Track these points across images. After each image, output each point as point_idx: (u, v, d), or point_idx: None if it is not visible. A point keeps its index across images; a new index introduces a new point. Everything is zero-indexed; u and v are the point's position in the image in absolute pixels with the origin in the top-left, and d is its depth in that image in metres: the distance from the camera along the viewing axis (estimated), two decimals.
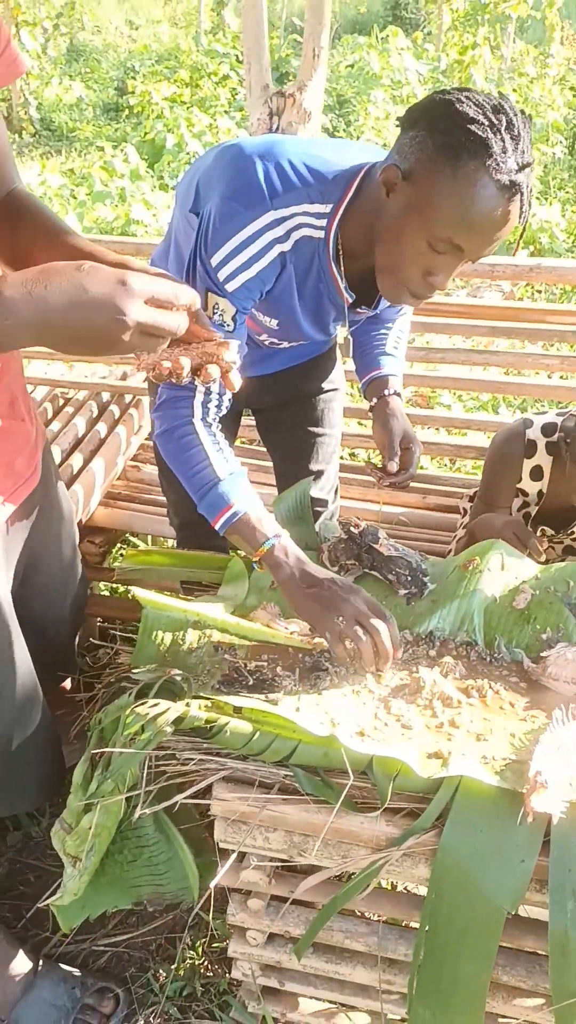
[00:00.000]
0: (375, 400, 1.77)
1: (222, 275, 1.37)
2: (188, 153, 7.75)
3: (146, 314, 0.91)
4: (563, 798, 1.07)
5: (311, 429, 1.96)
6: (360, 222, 1.37)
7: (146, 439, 2.55)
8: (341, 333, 1.69)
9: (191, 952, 1.66)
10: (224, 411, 1.49)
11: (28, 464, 1.42)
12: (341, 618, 1.28)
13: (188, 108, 9.01)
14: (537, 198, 7.08)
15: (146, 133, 8.32)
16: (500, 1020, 1.30)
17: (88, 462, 2.30)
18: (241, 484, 1.42)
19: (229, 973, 1.61)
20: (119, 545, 2.65)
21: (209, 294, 1.40)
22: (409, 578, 1.46)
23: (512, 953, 1.23)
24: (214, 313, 1.41)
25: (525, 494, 1.83)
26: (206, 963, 1.65)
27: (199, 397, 1.44)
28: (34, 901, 1.77)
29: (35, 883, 1.81)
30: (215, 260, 1.36)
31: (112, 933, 1.72)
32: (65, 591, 1.72)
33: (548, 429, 1.79)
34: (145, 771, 1.21)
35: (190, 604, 1.45)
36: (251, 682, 1.30)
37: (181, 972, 1.63)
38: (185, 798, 1.18)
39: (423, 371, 2.70)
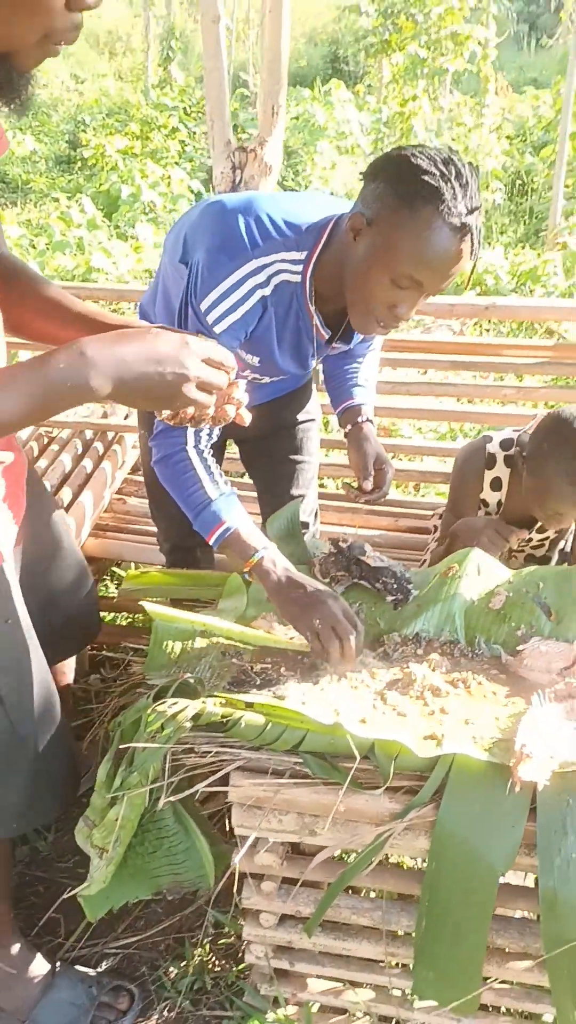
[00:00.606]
0: (349, 427, 1.93)
1: (210, 319, 1.53)
2: (143, 203, 7.97)
3: (203, 371, 1.11)
4: (546, 768, 1.21)
5: (292, 457, 2.11)
6: (332, 266, 1.54)
7: (129, 473, 2.69)
8: (318, 373, 1.86)
9: (199, 949, 1.76)
10: (215, 439, 1.64)
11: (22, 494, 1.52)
12: (318, 620, 1.43)
13: (141, 160, 9.26)
14: (482, 242, 7.42)
15: (101, 184, 8.54)
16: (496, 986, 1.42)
17: (77, 496, 2.42)
18: (232, 503, 1.57)
19: (236, 966, 1.71)
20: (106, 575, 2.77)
21: (199, 336, 1.55)
22: (395, 586, 1.60)
23: (505, 919, 1.36)
24: None
25: (486, 504, 2.00)
26: (214, 959, 1.75)
27: (191, 427, 1.58)
28: (45, 911, 1.85)
29: (44, 894, 1.89)
30: (204, 305, 1.52)
31: (121, 936, 1.80)
32: (77, 585, 1.78)
33: (506, 444, 1.96)
34: (166, 764, 1.32)
35: (196, 615, 1.57)
36: (258, 682, 1.43)
37: (191, 968, 1.72)
38: (206, 786, 1.30)
39: (386, 403, 2.88)
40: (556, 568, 1.62)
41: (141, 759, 1.33)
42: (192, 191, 8.93)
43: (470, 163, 1.41)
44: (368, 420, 1.93)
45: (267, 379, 1.86)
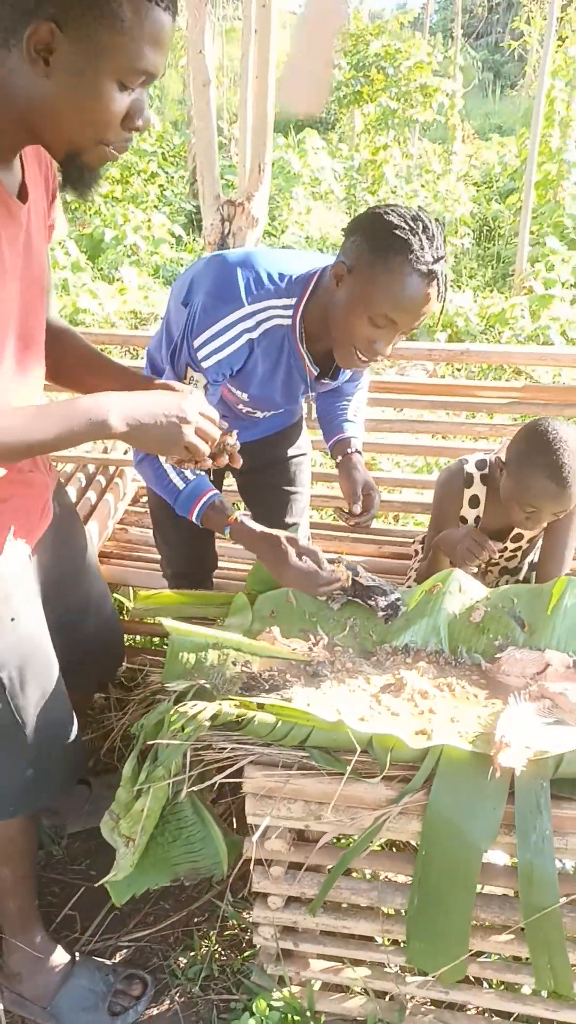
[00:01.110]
0: (340, 457, 2.13)
1: (200, 355, 1.75)
2: (126, 246, 8.21)
3: (200, 419, 1.38)
4: (522, 756, 1.40)
5: (285, 488, 2.32)
6: (318, 310, 1.76)
7: (130, 504, 2.87)
8: (312, 408, 2.07)
9: (206, 940, 1.91)
10: None
11: (43, 508, 1.65)
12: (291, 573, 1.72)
13: (124, 204, 9.51)
14: (451, 287, 7.71)
15: (83, 228, 8.77)
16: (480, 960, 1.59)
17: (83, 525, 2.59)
18: (201, 484, 1.81)
19: (242, 955, 1.86)
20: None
21: (188, 368, 1.79)
22: (385, 602, 1.79)
23: (488, 896, 1.54)
24: (189, 382, 1.79)
25: (465, 521, 2.19)
26: (220, 949, 1.90)
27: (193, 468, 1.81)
28: (61, 909, 2.00)
29: (60, 894, 2.04)
30: (197, 343, 1.74)
31: (133, 930, 1.95)
32: (101, 603, 1.93)
33: (480, 464, 2.16)
34: (187, 760, 1.49)
35: (208, 629, 1.75)
36: (267, 687, 1.61)
37: (199, 957, 1.87)
38: (223, 778, 1.47)
39: (367, 439, 3.08)
40: (528, 586, 1.81)
41: (165, 755, 1.50)
42: (173, 235, 9.18)
43: (436, 219, 1.66)
44: (357, 451, 2.13)
45: (260, 414, 2.06)
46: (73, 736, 1.69)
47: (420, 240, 1.58)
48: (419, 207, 1.68)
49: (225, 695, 1.58)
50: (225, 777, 1.47)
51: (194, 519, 1.81)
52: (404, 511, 2.89)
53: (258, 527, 1.78)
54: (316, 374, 1.89)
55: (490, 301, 6.79)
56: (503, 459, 2.02)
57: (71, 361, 1.63)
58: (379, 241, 1.60)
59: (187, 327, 1.76)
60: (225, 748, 1.49)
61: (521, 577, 2.27)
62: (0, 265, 1.26)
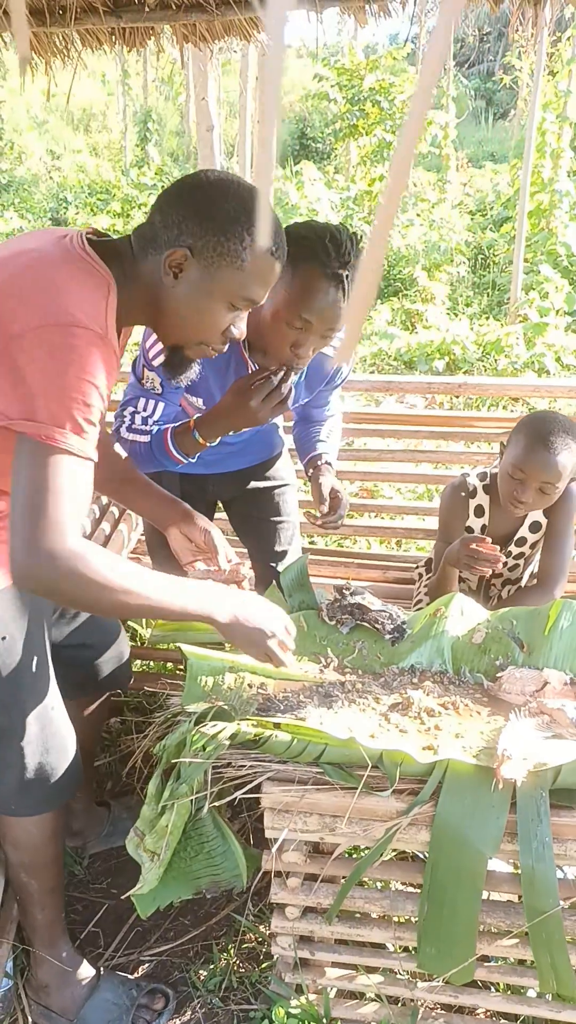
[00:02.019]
0: (311, 470, 2.28)
1: (150, 355, 1.91)
2: None
3: (283, 635, 1.59)
4: (523, 768, 1.49)
5: (272, 519, 2.44)
6: (255, 317, 1.89)
7: (143, 534, 2.97)
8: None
9: (225, 953, 1.99)
10: (143, 440, 2.00)
11: None
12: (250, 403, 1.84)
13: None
14: (447, 315, 7.88)
15: None
16: (486, 965, 1.67)
17: (115, 528, 2.70)
18: (160, 428, 1.95)
19: (259, 966, 1.94)
20: None
21: (144, 370, 1.95)
22: (392, 626, 1.89)
23: (493, 903, 1.62)
24: (146, 382, 1.96)
25: (472, 530, 2.30)
26: (238, 961, 1.98)
27: (124, 424, 1.99)
28: (85, 926, 2.08)
29: (83, 912, 2.12)
30: (148, 344, 1.91)
31: (154, 945, 2.03)
32: (102, 621, 2.04)
33: (482, 476, 2.29)
34: (209, 777, 1.59)
35: (225, 654, 1.85)
36: (282, 707, 1.70)
37: (218, 970, 1.95)
38: (243, 794, 1.56)
39: (371, 468, 3.20)
40: (527, 608, 1.91)
41: (187, 773, 1.59)
42: None
43: (354, 234, 1.80)
44: (327, 463, 2.27)
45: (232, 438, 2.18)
46: (70, 745, 1.76)
47: (327, 248, 1.73)
48: (341, 224, 1.82)
49: (243, 716, 1.67)
50: (245, 793, 1.57)
51: (174, 452, 1.94)
52: (407, 537, 2.99)
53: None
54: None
55: (486, 329, 6.94)
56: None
57: (112, 473, 1.87)
58: (290, 251, 1.71)
59: (145, 332, 1.92)
60: (244, 765, 1.59)
61: (522, 586, 2.37)
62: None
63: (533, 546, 2.31)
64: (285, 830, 1.57)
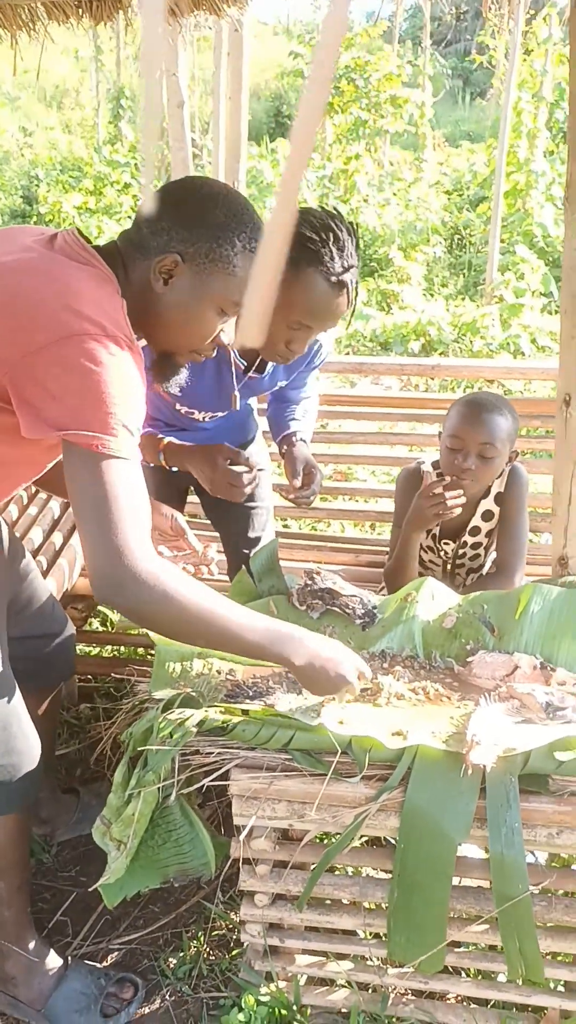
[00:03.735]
0: (284, 447, 2.24)
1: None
2: None
3: (357, 682, 1.54)
4: (492, 754, 1.48)
5: (246, 504, 2.40)
6: None
7: None
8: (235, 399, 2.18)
9: (195, 941, 1.97)
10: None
11: None
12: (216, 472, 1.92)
13: (98, 216, 9.57)
14: (423, 295, 7.85)
15: None
16: (456, 951, 1.67)
17: (67, 540, 2.65)
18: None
19: (229, 953, 1.93)
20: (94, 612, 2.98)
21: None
22: (362, 611, 1.87)
23: (463, 888, 1.62)
24: None
25: None
26: (208, 949, 1.96)
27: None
28: (52, 915, 2.06)
29: (51, 900, 2.10)
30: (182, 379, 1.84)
31: (123, 934, 2.01)
32: (51, 610, 2.03)
33: (435, 464, 2.29)
34: (176, 764, 1.56)
35: None
36: (251, 693, 1.68)
37: (188, 958, 1.93)
38: (210, 781, 1.54)
39: (345, 451, 3.18)
40: (497, 592, 1.90)
41: (154, 761, 1.57)
42: None
43: (350, 224, 1.76)
44: (302, 440, 2.24)
45: (199, 415, 2.12)
46: (34, 745, 1.74)
47: (331, 251, 1.69)
48: (335, 210, 1.77)
49: (211, 702, 1.65)
50: (212, 780, 1.54)
51: None
52: (380, 520, 2.97)
53: (189, 445, 1.91)
54: (244, 368, 1.98)
55: (462, 310, 6.92)
56: None
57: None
58: (292, 253, 1.68)
59: None
60: (212, 752, 1.56)
61: (485, 573, 2.37)
62: None
63: (489, 534, 2.30)
64: (253, 817, 1.55)
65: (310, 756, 1.55)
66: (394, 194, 11.64)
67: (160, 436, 1.95)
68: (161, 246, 1.41)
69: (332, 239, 1.69)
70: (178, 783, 1.55)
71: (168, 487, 2.23)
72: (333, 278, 1.69)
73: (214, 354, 1.57)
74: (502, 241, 8.21)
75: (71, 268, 1.34)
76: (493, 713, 1.59)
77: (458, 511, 2.08)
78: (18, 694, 1.70)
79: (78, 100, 20.96)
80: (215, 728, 1.57)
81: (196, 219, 1.41)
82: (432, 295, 7.95)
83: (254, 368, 2.01)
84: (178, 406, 2.07)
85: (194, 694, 1.67)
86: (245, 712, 1.57)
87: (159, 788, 1.57)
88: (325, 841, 1.75)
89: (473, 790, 1.48)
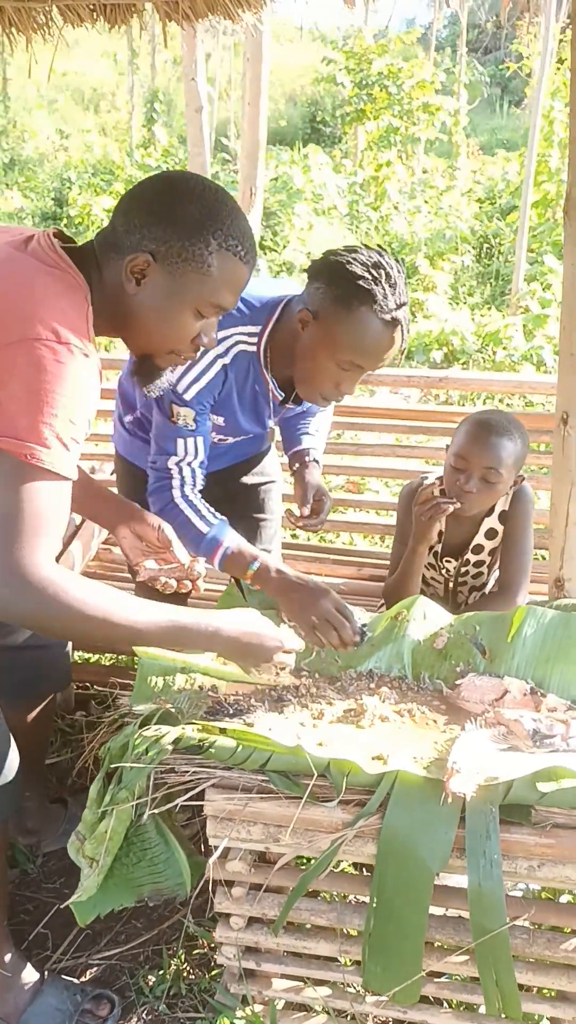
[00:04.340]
0: (296, 465, 2.19)
1: (179, 388, 1.80)
2: None
3: (282, 657, 1.61)
4: (473, 782, 1.43)
5: (255, 515, 2.37)
6: (283, 342, 1.82)
7: (102, 544, 2.91)
8: (273, 433, 2.14)
9: (175, 959, 1.94)
10: (199, 485, 1.90)
11: None
12: (314, 617, 1.70)
13: None
14: (448, 303, 7.78)
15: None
16: (436, 981, 1.62)
17: (67, 546, 2.63)
18: (223, 529, 1.85)
19: (209, 973, 1.89)
20: None
21: (172, 406, 1.83)
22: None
23: (442, 918, 1.57)
24: (178, 420, 1.83)
25: None
26: (188, 967, 1.93)
27: (176, 482, 1.87)
28: (34, 927, 2.03)
29: (34, 912, 2.07)
30: (174, 378, 1.77)
31: (104, 949, 1.98)
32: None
33: (440, 481, 2.23)
34: (151, 782, 1.53)
35: (177, 654, 1.79)
36: (231, 711, 1.64)
37: (167, 976, 1.90)
38: (184, 801, 1.51)
39: (357, 463, 3.14)
40: (491, 613, 1.85)
41: (128, 778, 1.53)
42: None
43: (397, 260, 1.71)
44: (314, 460, 2.19)
45: (231, 439, 2.10)
46: (12, 756, 1.70)
47: (383, 289, 1.64)
48: (380, 248, 1.73)
49: (190, 719, 1.62)
50: (186, 800, 1.51)
51: (216, 565, 1.84)
52: (388, 533, 2.92)
53: (291, 571, 1.79)
54: (280, 399, 1.94)
55: (487, 319, 6.85)
56: None
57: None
58: (342, 291, 1.66)
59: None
60: (188, 771, 1.53)
61: (487, 592, 2.32)
62: None
63: (492, 552, 2.25)
64: (225, 839, 1.52)
65: (287, 778, 1.51)
66: (425, 202, 11.59)
67: (252, 563, 1.81)
68: (133, 245, 1.36)
69: (384, 276, 1.65)
70: (152, 802, 1.52)
71: None
72: (387, 316, 1.66)
73: (196, 355, 1.52)
74: (531, 251, 8.14)
75: (36, 272, 1.31)
76: (478, 739, 1.54)
77: (451, 508, 2.06)
78: None
79: (113, 103, 21.13)
80: (191, 746, 1.53)
81: (169, 217, 1.36)
82: (458, 304, 7.89)
83: (292, 400, 1.98)
84: (213, 434, 2.04)
85: (173, 710, 1.64)
86: (223, 731, 1.54)
87: (133, 806, 1.54)
88: (304, 865, 1.70)
89: (452, 819, 1.43)
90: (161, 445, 1.88)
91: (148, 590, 1.80)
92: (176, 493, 1.86)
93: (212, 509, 1.89)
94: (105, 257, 1.39)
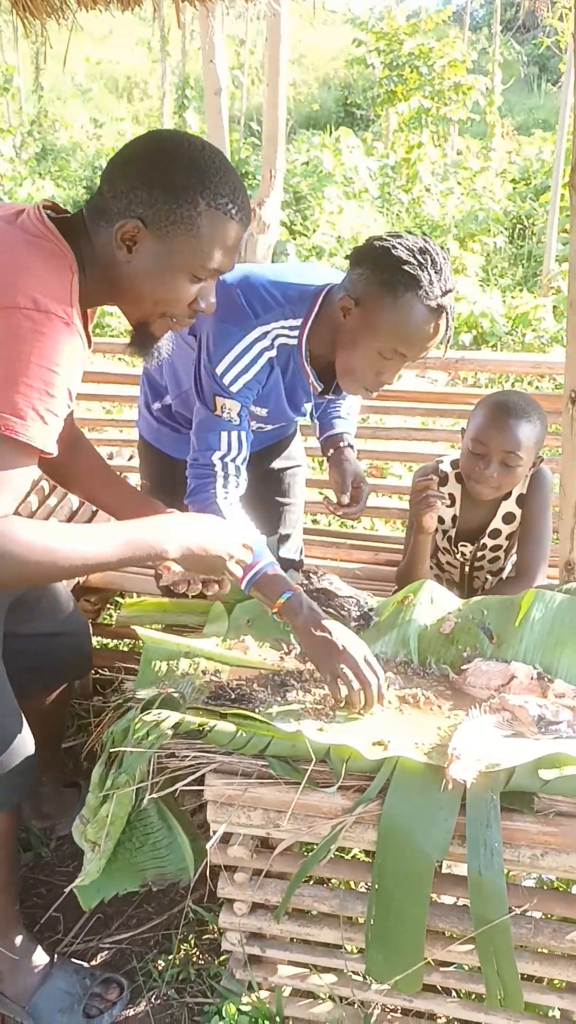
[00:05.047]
0: (331, 451, 2.14)
1: (226, 380, 1.76)
2: None
3: (241, 553, 1.55)
4: (473, 769, 1.40)
5: (279, 499, 2.34)
6: (323, 332, 1.78)
7: None
8: (315, 426, 2.10)
9: (184, 944, 1.94)
10: (242, 491, 1.86)
11: None
12: (342, 665, 1.56)
13: None
14: (479, 285, 7.67)
15: None
16: (443, 970, 1.60)
17: None
18: (260, 548, 1.73)
19: (218, 958, 1.89)
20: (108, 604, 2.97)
21: (216, 398, 1.79)
22: (358, 612, 1.81)
23: (445, 906, 1.55)
24: (223, 413, 1.79)
25: (442, 521, 2.22)
26: (197, 952, 1.93)
27: (219, 481, 1.81)
28: (46, 910, 2.04)
29: (46, 895, 2.08)
30: (219, 370, 1.75)
31: (114, 933, 1.99)
32: (67, 608, 2.00)
33: (455, 464, 2.20)
34: (151, 767, 1.52)
35: (181, 638, 1.78)
36: (233, 696, 1.63)
37: (176, 961, 1.90)
38: (184, 786, 1.50)
39: (380, 447, 3.11)
40: (499, 597, 1.81)
41: (129, 762, 1.53)
42: None
43: (442, 246, 1.65)
44: (349, 445, 2.15)
45: (269, 427, 2.08)
46: (27, 742, 1.71)
47: (429, 275, 1.60)
48: (424, 235, 1.69)
49: (192, 704, 1.61)
50: (186, 785, 1.50)
51: (243, 584, 1.71)
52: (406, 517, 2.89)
53: (322, 612, 1.68)
54: (320, 390, 1.91)
55: (518, 301, 6.74)
56: None
57: (83, 470, 1.75)
58: (387, 276, 1.61)
59: (203, 357, 1.78)
60: (188, 756, 1.52)
61: (504, 577, 2.28)
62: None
63: (509, 537, 2.21)
64: (224, 824, 1.51)
65: (287, 763, 1.49)
66: (459, 183, 11.43)
67: (283, 594, 1.67)
68: (121, 210, 1.32)
69: (430, 262, 1.61)
70: (153, 786, 1.51)
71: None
72: (432, 302, 1.61)
73: (192, 321, 1.47)
74: (563, 231, 7.99)
75: (18, 242, 1.29)
76: (480, 726, 1.51)
77: (439, 504, 2.03)
78: (9, 692, 1.68)
79: (146, 91, 21.11)
80: (192, 731, 1.52)
81: (154, 179, 1.31)
82: (489, 287, 7.78)
83: (331, 390, 1.95)
84: (254, 423, 2.01)
85: (176, 695, 1.63)
86: (223, 716, 1.53)
87: (135, 790, 1.54)
88: (306, 851, 1.69)
89: (453, 806, 1.41)
90: (204, 440, 1.81)
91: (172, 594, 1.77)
92: (219, 493, 1.80)
93: (252, 522, 1.83)
94: (95, 225, 1.36)
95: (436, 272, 1.60)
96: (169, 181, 1.31)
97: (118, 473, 1.87)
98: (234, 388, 1.77)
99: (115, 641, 2.84)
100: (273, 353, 1.78)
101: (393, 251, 1.61)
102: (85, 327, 1.47)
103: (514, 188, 11.66)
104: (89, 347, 1.50)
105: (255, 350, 1.76)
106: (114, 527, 1.42)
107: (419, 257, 1.60)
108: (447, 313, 1.64)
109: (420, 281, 1.58)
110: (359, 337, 1.68)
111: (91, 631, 2.06)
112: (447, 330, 1.68)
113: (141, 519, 1.46)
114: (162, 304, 1.40)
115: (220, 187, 1.34)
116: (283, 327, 1.78)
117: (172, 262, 1.36)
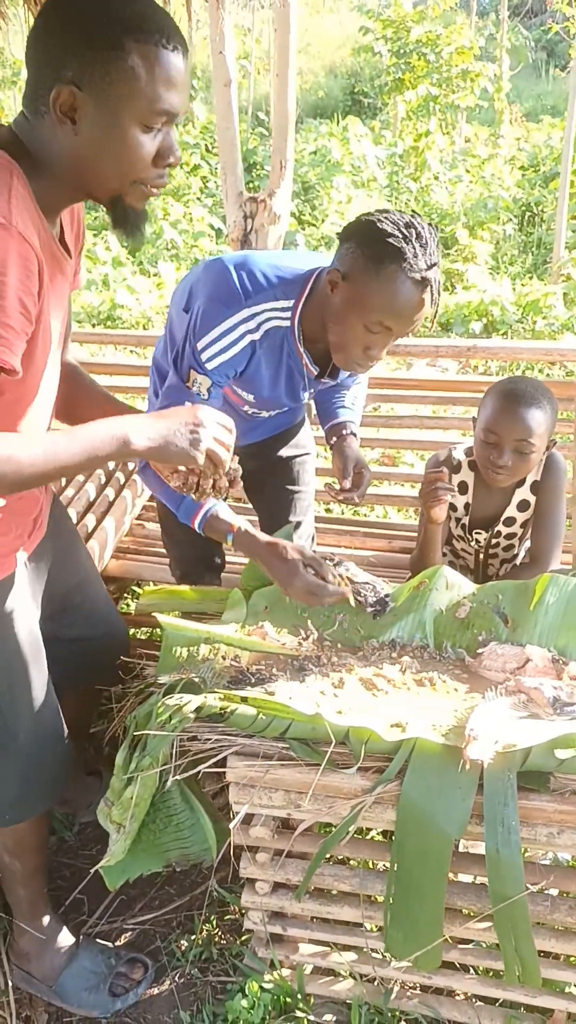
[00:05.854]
0: (334, 439, 2.17)
1: (204, 356, 1.79)
2: (165, 240, 8.30)
3: (217, 429, 1.45)
4: (491, 749, 1.43)
5: (289, 487, 2.36)
6: (316, 312, 1.80)
7: (148, 500, 2.94)
8: (310, 408, 2.12)
9: (207, 924, 1.98)
10: None
11: (37, 519, 1.70)
12: (300, 584, 1.67)
13: (163, 198, 9.60)
14: (489, 273, 7.66)
15: None
16: (461, 947, 1.63)
17: (100, 522, 2.67)
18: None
19: (240, 938, 1.93)
20: (126, 593, 3.01)
21: (191, 371, 1.83)
22: (374, 598, 1.83)
23: (463, 884, 1.58)
24: (193, 385, 1.83)
25: (455, 509, 2.24)
26: (219, 932, 1.96)
27: (195, 497, 1.82)
28: (70, 892, 2.08)
29: (71, 878, 2.13)
30: (200, 345, 1.78)
31: (138, 914, 2.03)
32: (107, 613, 2.04)
33: (468, 452, 2.22)
34: (174, 750, 1.56)
35: (201, 625, 1.81)
36: (253, 681, 1.66)
37: (199, 941, 1.94)
38: (206, 768, 1.53)
39: (388, 435, 3.13)
40: (514, 582, 1.84)
41: (152, 745, 1.57)
42: (212, 228, 9.24)
43: (430, 223, 1.67)
44: (352, 433, 2.17)
45: (266, 413, 2.10)
46: (62, 747, 1.76)
47: (413, 248, 1.61)
48: (413, 212, 1.71)
49: (212, 688, 1.64)
50: (208, 767, 1.53)
51: (196, 527, 1.81)
52: (419, 505, 2.91)
53: (263, 536, 1.76)
54: (316, 373, 1.93)
55: (528, 289, 6.73)
56: None
57: (83, 400, 1.73)
58: (373, 249, 1.63)
59: (189, 331, 1.81)
60: (210, 739, 1.56)
61: (518, 563, 2.30)
62: (46, 310, 1.33)
63: (524, 525, 2.23)
64: (245, 805, 1.54)
65: (307, 745, 1.52)
66: (467, 171, 11.38)
67: (234, 521, 1.78)
68: (50, 83, 1.22)
69: (415, 235, 1.62)
70: (176, 768, 1.55)
71: None
72: (417, 275, 1.62)
73: (166, 180, 1.38)
74: (573, 218, 7.97)
75: None
76: (497, 707, 1.54)
77: (447, 497, 2.06)
78: (53, 696, 1.72)
79: None
80: (213, 715, 1.56)
81: (73, 37, 1.21)
82: (499, 275, 7.76)
83: (327, 374, 1.97)
84: (246, 408, 2.04)
85: (197, 680, 1.66)
86: (244, 699, 1.56)
87: (158, 773, 1.57)
88: (326, 831, 1.72)
89: (471, 786, 1.44)
90: (167, 404, 1.84)
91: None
92: None
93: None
94: (36, 117, 1.28)
95: (421, 245, 1.62)
96: (88, 34, 1.21)
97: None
98: (210, 366, 1.79)
99: (134, 629, 2.87)
100: (256, 336, 1.80)
101: (378, 224, 1.62)
102: (62, 237, 1.44)
103: (523, 175, 11.58)
104: (71, 258, 1.45)
105: (238, 331, 1.78)
106: (77, 427, 1.36)
107: (404, 231, 1.62)
108: (432, 287, 1.66)
109: (404, 253, 1.60)
110: (346, 311, 1.70)
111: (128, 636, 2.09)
112: (432, 304, 1.70)
113: (107, 419, 1.40)
114: (126, 167, 1.30)
115: (143, 22, 1.23)
116: (274, 308, 1.79)
117: (119, 118, 1.25)
